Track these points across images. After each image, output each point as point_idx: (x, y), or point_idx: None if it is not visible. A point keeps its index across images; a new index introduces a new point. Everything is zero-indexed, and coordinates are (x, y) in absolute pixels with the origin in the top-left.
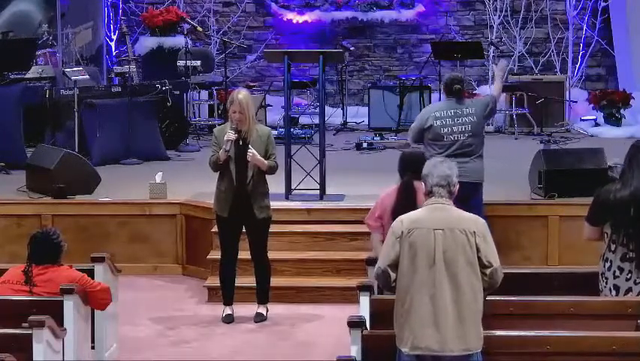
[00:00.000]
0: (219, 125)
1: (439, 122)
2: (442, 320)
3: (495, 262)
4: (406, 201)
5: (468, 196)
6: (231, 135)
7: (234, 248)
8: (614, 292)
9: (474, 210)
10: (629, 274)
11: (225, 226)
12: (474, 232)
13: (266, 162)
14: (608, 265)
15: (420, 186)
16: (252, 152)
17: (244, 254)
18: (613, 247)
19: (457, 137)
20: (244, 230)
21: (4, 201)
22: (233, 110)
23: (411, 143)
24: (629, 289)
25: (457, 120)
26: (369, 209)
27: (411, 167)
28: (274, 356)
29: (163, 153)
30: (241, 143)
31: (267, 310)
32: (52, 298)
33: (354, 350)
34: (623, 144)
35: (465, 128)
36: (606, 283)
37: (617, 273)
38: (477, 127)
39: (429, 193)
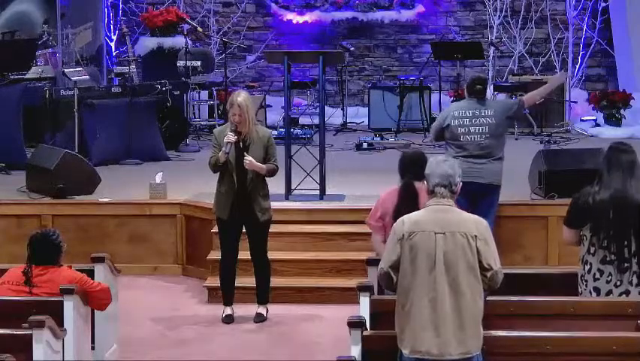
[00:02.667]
0: (219, 125)
1: (456, 122)
2: (441, 323)
3: (495, 265)
4: (407, 202)
5: (481, 197)
6: (231, 137)
7: (234, 249)
8: (594, 294)
9: (483, 211)
10: (610, 277)
11: (225, 228)
12: (475, 236)
13: (264, 165)
14: (587, 267)
15: (421, 187)
16: (249, 159)
17: (244, 254)
18: (592, 249)
19: (474, 138)
20: (244, 230)
21: (4, 201)
22: (233, 112)
23: (432, 141)
24: (610, 292)
25: (475, 121)
26: (369, 209)
27: (411, 168)
28: (274, 357)
29: (163, 153)
30: (241, 145)
31: (267, 311)
32: (52, 299)
33: (354, 350)
34: None
35: (482, 129)
36: (586, 285)
37: (597, 275)
38: (496, 129)
39: (430, 193)
